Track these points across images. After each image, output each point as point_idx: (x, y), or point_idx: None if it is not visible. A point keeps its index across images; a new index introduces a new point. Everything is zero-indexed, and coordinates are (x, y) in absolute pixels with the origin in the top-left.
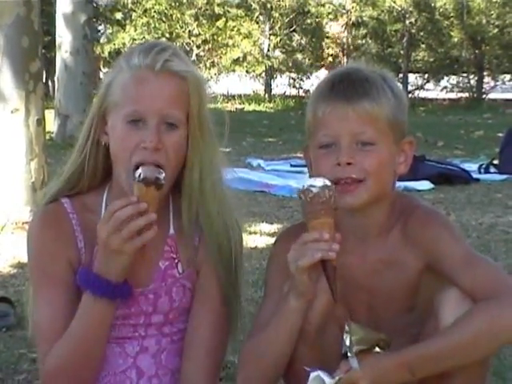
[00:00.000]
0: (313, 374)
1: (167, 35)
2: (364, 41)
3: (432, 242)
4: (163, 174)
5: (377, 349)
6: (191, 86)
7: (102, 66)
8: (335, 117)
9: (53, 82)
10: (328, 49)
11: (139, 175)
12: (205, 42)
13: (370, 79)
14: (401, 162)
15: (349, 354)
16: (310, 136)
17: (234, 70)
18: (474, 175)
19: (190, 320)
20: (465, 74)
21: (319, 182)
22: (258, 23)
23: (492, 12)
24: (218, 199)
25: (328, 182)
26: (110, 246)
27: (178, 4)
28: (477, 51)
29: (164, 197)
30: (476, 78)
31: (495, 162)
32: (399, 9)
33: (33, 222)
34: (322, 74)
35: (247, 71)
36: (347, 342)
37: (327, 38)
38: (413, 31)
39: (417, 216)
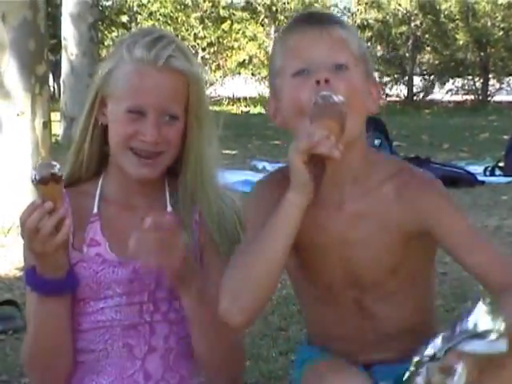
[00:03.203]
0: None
1: None
2: (369, 43)
3: (436, 211)
4: (57, 166)
5: None
6: (191, 82)
7: None
8: (309, 41)
9: (59, 84)
10: None
11: (34, 177)
12: (210, 44)
13: (335, 15)
14: (370, 102)
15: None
16: (279, 72)
17: (239, 73)
18: (480, 178)
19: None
20: (470, 77)
21: (341, 97)
22: (263, 26)
23: (497, 14)
24: (214, 188)
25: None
26: (34, 252)
27: (183, 7)
28: (482, 54)
29: (159, 179)
30: (481, 81)
31: (501, 164)
32: (404, 11)
33: None
34: None
35: (253, 74)
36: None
37: None
38: (418, 34)
39: (417, 178)
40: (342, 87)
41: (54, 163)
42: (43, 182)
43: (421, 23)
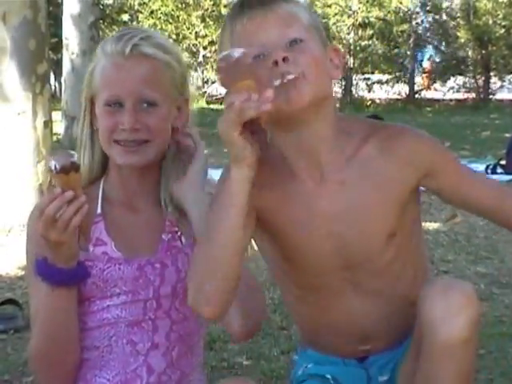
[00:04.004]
0: None
1: (174, 36)
2: (370, 41)
3: (432, 153)
4: (75, 154)
5: None
6: (164, 68)
7: None
8: (256, 25)
9: (60, 83)
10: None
11: (55, 167)
12: (211, 43)
13: None
14: (333, 68)
15: None
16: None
17: None
18: None
19: None
20: (471, 75)
21: (240, 50)
22: None
23: (498, 12)
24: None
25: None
26: (49, 240)
27: (184, 5)
28: (483, 51)
29: (156, 177)
30: (483, 79)
31: (502, 162)
32: (406, 9)
33: (33, 208)
34: None
35: None
36: None
37: (333, 38)
38: (419, 32)
39: (394, 129)
40: (301, 60)
41: (72, 152)
42: (64, 171)
43: (422, 21)
